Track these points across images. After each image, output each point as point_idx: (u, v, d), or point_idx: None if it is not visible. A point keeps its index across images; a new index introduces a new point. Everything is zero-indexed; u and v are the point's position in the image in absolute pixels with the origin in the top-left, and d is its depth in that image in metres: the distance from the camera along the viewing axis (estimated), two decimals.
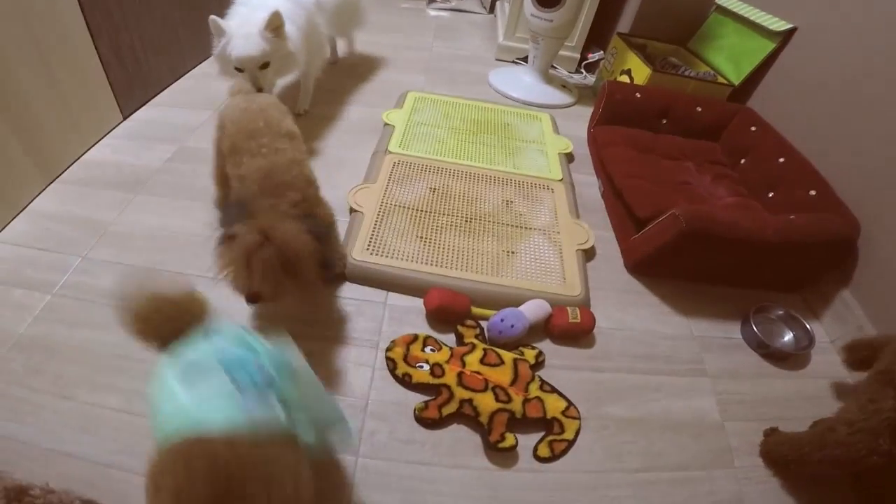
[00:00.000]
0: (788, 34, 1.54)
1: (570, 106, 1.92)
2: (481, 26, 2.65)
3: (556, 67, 2.14)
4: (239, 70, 1.23)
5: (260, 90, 1.23)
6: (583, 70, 2.18)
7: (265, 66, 1.24)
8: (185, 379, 0.54)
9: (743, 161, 1.49)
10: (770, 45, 1.58)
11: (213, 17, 1.18)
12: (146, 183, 1.30)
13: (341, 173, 1.39)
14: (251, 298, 0.79)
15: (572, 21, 1.76)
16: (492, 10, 2.84)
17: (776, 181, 1.35)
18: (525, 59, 2.16)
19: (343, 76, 1.91)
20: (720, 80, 1.71)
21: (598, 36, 2.16)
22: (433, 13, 2.76)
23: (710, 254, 1.14)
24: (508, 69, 2.08)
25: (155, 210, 1.22)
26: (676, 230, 1.06)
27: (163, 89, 1.71)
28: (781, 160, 1.37)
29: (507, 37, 2.19)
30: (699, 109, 1.57)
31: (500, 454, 0.86)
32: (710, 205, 1.31)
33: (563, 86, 2.00)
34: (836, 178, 1.24)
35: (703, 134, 1.58)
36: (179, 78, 1.77)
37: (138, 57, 1.54)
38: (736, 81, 1.67)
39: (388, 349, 0.98)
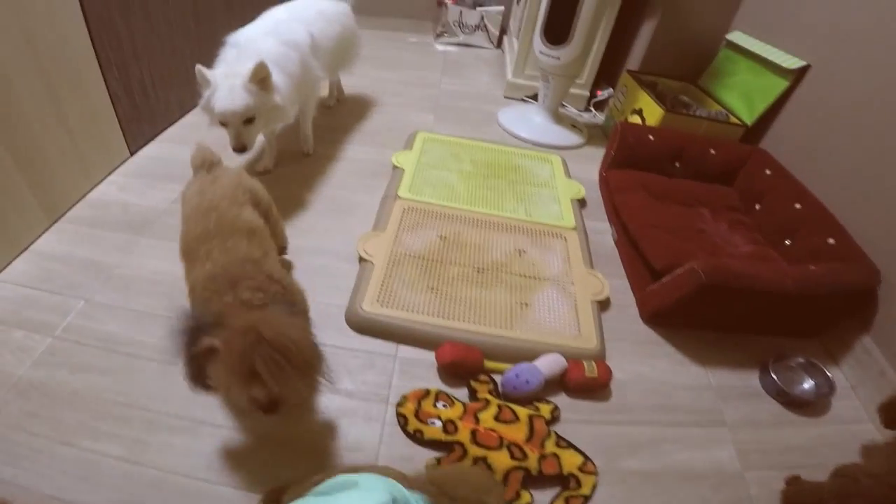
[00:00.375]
0: (802, 72, 1.54)
1: (580, 147, 1.93)
2: (489, 62, 2.69)
3: (565, 106, 2.16)
4: (223, 124, 1.19)
5: (242, 148, 1.19)
6: (592, 108, 2.20)
7: (250, 121, 1.19)
8: None
9: (758, 206, 1.48)
10: (783, 84, 1.58)
11: (198, 66, 1.14)
12: (153, 225, 1.30)
13: (350, 219, 1.39)
14: (271, 407, 0.66)
15: (581, 59, 1.77)
16: (499, 45, 2.89)
17: (793, 228, 1.33)
18: (534, 97, 2.18)
19: (349, 114, 1.94)
20: (732, 119, 1.71)
21: (607, 73, 2.18)
22: (441, 48, 2.81)
23: (728, 305, 1.13)
24: (518, 108, 2.10)
25: (161, 254, 1.22)
26: (696, 284, 1.05)
27: (171, 124, 1.73)
28: (798, 206, 1.36)
29: (516, 74, 2.22)
30: (713, 152, 1.57)
31: None
32: (726, 254, 1.30)
33: (573, 125, 2.01)
34: (855, 224, 1.23)
35: (717, 177, 1.58)
36: (188, 113, 1.79)
37: (147, 90, 1.57)
38: (749, 121, 1.68)
39: (398, 404, 0.96)
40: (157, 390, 0.94)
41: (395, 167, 1.58)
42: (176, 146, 1.63)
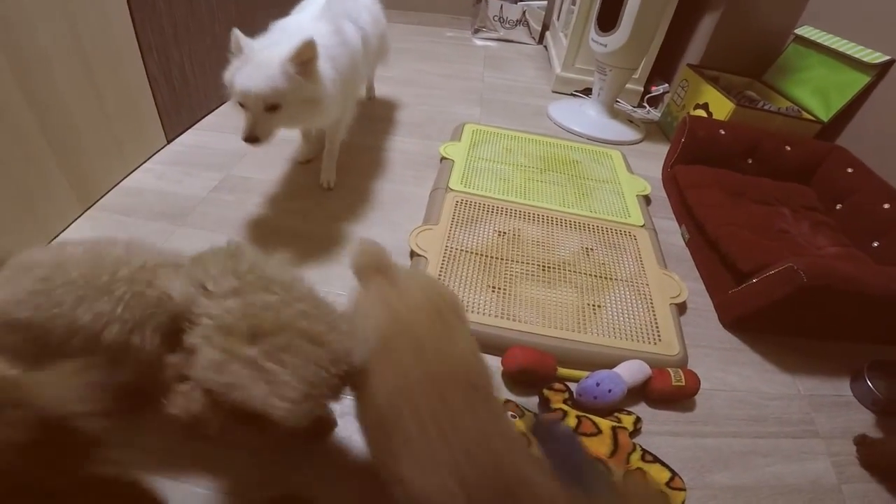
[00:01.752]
0: (885, 67, 1.47)
1: (637, 143, 1.87)
2: (532, 57, 2.65)
3: (619, 102, 2.10)
4: (242, 105, 1.00)
5: (255, 140, 0.99)
6: (646, 104, 2.14)
7: (274, 108, 0.99)
8: None
9: (839, 206, 1.41)
10: (864, 79, 1.52)
11: (236, 29, 0.98)
12: (190, 214, 1.27)
13: (400, 212, 1.35)
14: None
15: (634, 49, 1.72)
16: (541, 40, 2.85)
17: (881, 229, 1.27)
18: (584, 92, 2.13)
19: (390, 106, 1.90)
20: (805, 115, 1.64)
21: (662, 68, 2.13)
22: (480, 42, 2.78)
23: (824, 308, 1.06)
24: (570, 102, 2.05)
25: (198, 244, 1.17)
26: (794, 285, 0.98)
27: (210, 112, 1.71)
28: (886, 206, 1.29)
29: (566, 68, 2.17)
30: (788, 149, 1.50)
31: None
32: (813, 255, 1.22)
33: (630, 120, 1.95)
34: None
35: (794, 176, 1.50)
36: (226, 101, 1.77)
37: (187, 77, 1.55)
38: (825, 118, 1.60)
39: None
40: None
41: (443, 158, 1.53)
42: (215, 135, 1.61)
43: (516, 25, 2.85)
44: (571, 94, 2.16)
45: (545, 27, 2.82)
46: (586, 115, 1.91)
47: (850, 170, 1.43)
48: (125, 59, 1.30)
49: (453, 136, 1.67)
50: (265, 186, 1.39)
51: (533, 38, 2.87)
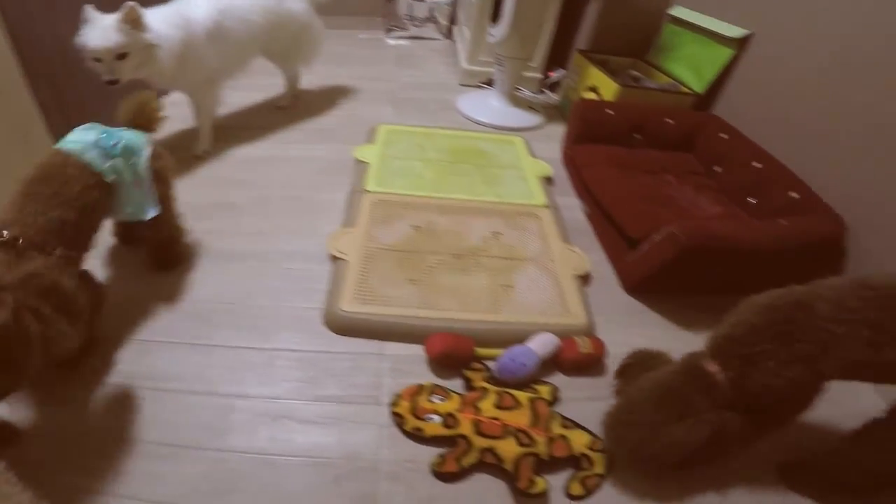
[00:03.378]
0: (745, 40, 1.54)
1: (539, 127, 1.89)
2: (441, 52, 2.62)
3: (520, 89, 2.11)
4: (97, 60, 1.16)
5: (115, 81, 1.18)
6: (546, 90, 2.16)
7: (122, 56, 1.17)
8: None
9: (718, 169, 1.48)
10: (729, 52, 1.59)
11: (87, 6, 1.13)
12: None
13: (316, 218, 1.29)
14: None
15: (517, 38, 1.72)
16: (449, 35, 2.82)
17: (754, 187, 1.33)
18: (489, 83, 2.13)
19: (304, 113, 1.82)
20: (683, 89, 1.70)
21: (558, 54, 2.15)
22: (392, 42, 2.72)
23: (708, 266, 1.10)
24: (476, 94, 2.04)
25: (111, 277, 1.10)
26: (676, 247, 1.02)
27: None
28: (756, 165, 1.36)
29: (470, 61, 2.15)
30: (669, 121, 1.56)
31: (532, 500, 0.79)
32: (696, 217, 1.28)
33: (530, 107, 1.97)
34: (813, 177, 1.23)
35: (677, 145, 1.57)
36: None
37: (84, 104, 1.42)
38: (699, 90, 1.67)
39: (393, 404, 0.89)
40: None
41: (358, 161, 1.48)
42: None
43: (425, 23, 2.81)
44: (477, 86, 2.15)
45: (452, 21, 2.80)
46: (490, 106, 1.91)
47: (724, 135, 1.50)
48: (11, 91, 1.17)
49: (367, 139, 1.63)
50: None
51: (442, 34, 2.84)
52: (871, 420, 0.77)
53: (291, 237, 1.23)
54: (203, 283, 1.09)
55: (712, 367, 0.75)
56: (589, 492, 0.81)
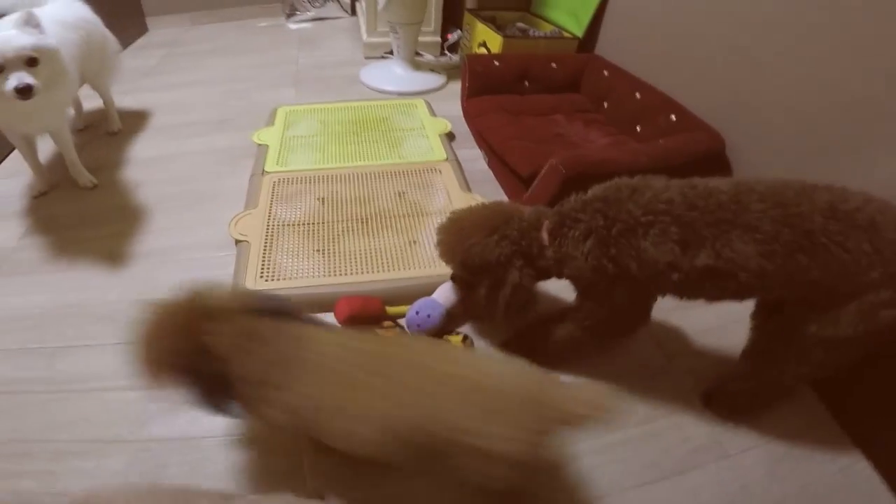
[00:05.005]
0: None
1: (442, 88, 1.83)
2: (346, 29, 2.48)
3: (421, 55, 2.04)
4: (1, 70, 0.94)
5: (28, 88, 0.94)
6: (447, 52, 2.10)
7: (32, 62, 0.96)
8: None
9: (606, 104, 1.49)
10: None
11: None
12: (2, 265, 1.06)
13: (217, 206, 1.21)
14: None
15: (407, 4, 1.64)
16: (353, 11, 2.67)
17: (639, 115, 1.34)
18: (392, 53, 2.04)
19: (201, 108, 1.69)
20: (565, 35, 1.69)
21: (452, 16, 2.08)
22: (294, 26, 2.55)
23: None
24: (378, 65, 1.95)
25: (18, 290, 1.01)
26: (559, 179, 1.01)
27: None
28: (638, 96, 1.37)
29: (370, 33, 2.05)
30: (554, 66, 1.54)
31: None
32: (585, 149, 1.28)
33: (432, 69, 1.90)
34: (691, 101, 1.23)
35: (564, 87, 1.56)
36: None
37: None
38: (579, 34, 1.66)
39: None
40: (50, 421, 0.79)
41: (259, 145, 1.39)
42: (9, 180, 1.34)
43: (326, 2, 2.65)
44: (381, 57, 2.06)
45: None
46: (393, 73, 1.83)
47: (606, 72, 1.51)
48: None
49: (267, 123, 1.52)
50: (73, 219, 1.19)
51: (346, 11, 2.69)
52: (748, 344, 0.76)
53: (194, 228, 1.15)
54: (110, 286, 1.02)
55: (545, 224, 0.75)
56: None
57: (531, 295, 0.78)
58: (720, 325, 0.95)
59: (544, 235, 0.74)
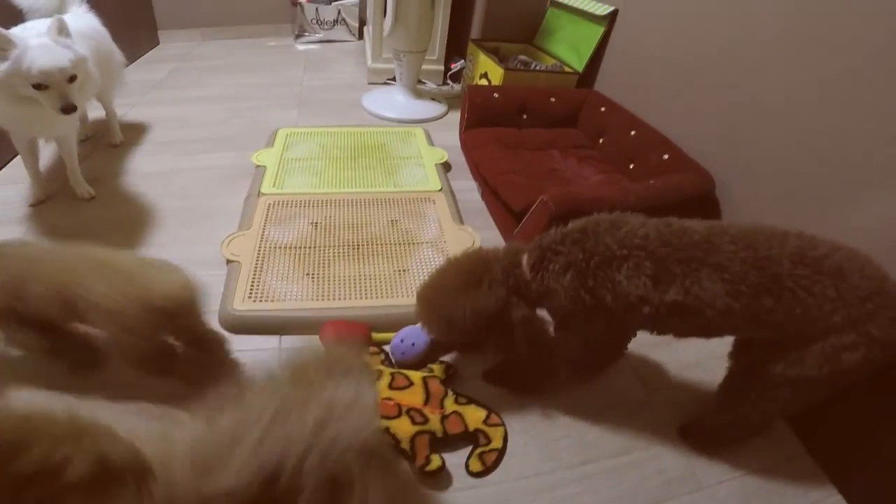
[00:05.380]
0: (613, 16, 1.56)
1: (442, 117, 1.86)
2: (352, 53, 2.54)
3: (424, 82, 2.08)
4: (40, 88, 0.95)
5: (73, 108, 0.98)
6: (449, 81, 2.14)
7: (72, 78, 0.99)
8: None
9: (601, 140, 1.50)
10: (600, 30, 1.61)
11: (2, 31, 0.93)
12: None
13: (213, 225, 1.21)
14: None
15: (404, 31, 1.68)
16: (361, 35, 2.73)
17: (633, 153, 1.36)
18: (395, 79, 2.08)
19: (204, 124, 1.71)
20: (566, 69, 1.72)
21: (457, 46, 2.13)
22: (301, 47, 2.61)
23: None
24: (380, 91, 1.99)
25: None
26: (549, 215, 1.02)
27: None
28: (633, 133, 1.39)
29: (375, 59, 2.09)
30: (553, 100, 1.57)
31: (430, 478, 0.76)
32: (578, 185, 1.29)
33: (433, 98, 1.94)
34: (685, 141, 1.25)
35: (561, 122, 1.58)
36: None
37: None
38: (579, 68, 1.69)
39: None
40: None
41: (257, 166, 1.41)
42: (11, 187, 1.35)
43: (335, 25, 2.71)
44: (384, 83, 2.10)
45: (362, 23, 2.71)
46: (395, 101, 1.87)
47: (603, 108, 1.53)
48: None
49: (267, 144, 1.54)
50: (70, 230, 1.19)
51: (353, 35, 2.75)
52: (723, 380, 0.77)
53: (187, 245, 1.16)
54: None
55: (525, 259, 0.74)
56: (488, 468, 0.78)
57: (541, 323, 0.77)
58: (700, 361, 0.95)
59: (526, 270, 0.74)
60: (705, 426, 0.83)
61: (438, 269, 0.80)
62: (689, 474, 0.80)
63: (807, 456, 0.84)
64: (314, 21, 2.65)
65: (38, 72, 0.93)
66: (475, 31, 2.02)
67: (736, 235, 0.64)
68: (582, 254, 0.67)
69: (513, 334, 0.74)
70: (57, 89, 0.97)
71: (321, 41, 2.68)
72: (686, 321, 0.66)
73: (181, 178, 1.41)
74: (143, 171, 1.43)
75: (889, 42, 0.79)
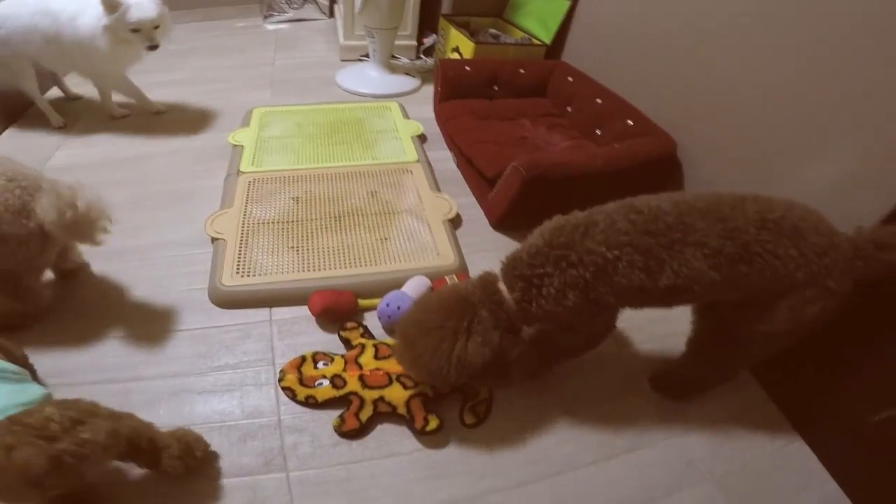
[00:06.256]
0: None
1: (416, 91, 1.86)
2: (323, 31, 2.48)
3: (397, 57, 2.06)
4: (134, 31, 1.29)
5: (156, 47, 1.34)
6: (422, 55, 2.12)
7: (157, 27, 1.32)
8: None
9: (569, 108, 1.53)
10: (566, 4, 1.63)
11: None
12: None
13: (195, 205, 1.21)
14: None
15: (383, 9, 1.66)
16: (332, 13, 2.66)
17: (599, 120, 1.39)
18: (368, 56, 2.05)
19: (176, 108, 1.67)
20: (535, 42, 1.73)
21: (429, 21, 2.10)
22: (271, 27, 2.53)
23: (555, 193, 1.14)
24: (354, 67, 1.96)
25: None
26: (520, 180, 1.06)
27: None
28: (599, 101, 1.41)
29: (347, 36, 2.06)
30: (522, 71, 1.59)
31: (431, 437, 0.79)
32: (548, 152, 1.33)
33: (407, 73, 1.93)
34: (648, 107, 1.29)
35: (531, 92, 1.60)
36: None
37: None
38: (547, 41, 1.71)
39: (280, 380, 0.85)
40: None
41: (234, 146, 1.40)
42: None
43: (304, 4, 2.63)
44: (358, 60, 2.07)
45: (332, 0, 2.64)
46: (369, 76, 1.85)
47: (570, 78, 1.55)
48: None
49: (242, 124, 1.53)
50: None
51: (324, 13, 2.68)
52: (691, 335, 0.81)
53: (170, 227, 1.16)
54: (86, 283, 1.02)
55: (502, 286, 0.71)
56: (480, 418, 0.82)
57: (520, 340, 0.75)
58: (666, 316, 1.00)
59: (510, 302, 0.70)
60: (675, 377, 0.87)
61: (418, 303, 0.76)
62: (661, 423, 0.85)
63: (769, 402, 0.90)
64: (283, 0, 2.58)
65: (136, 20, 1.27)
66: (446, 7, 2.00)
67: (703, 209, 0.66)
68: (575, 270, 0.65)
69: (507, 369, 0.73)
70: (146, 33, 1.30)
71: (291, 20, 2.61)
72: (677, 297, 0.68)
73: (158, 161, 1.39)
74: (120, 157, 1.40)
75: (832, 20, 0.83)
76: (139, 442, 0.65)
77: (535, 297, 0.68)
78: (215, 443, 0.77)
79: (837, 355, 0.81)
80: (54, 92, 1.66)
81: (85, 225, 0.80)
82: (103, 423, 0.59)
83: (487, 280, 0.72)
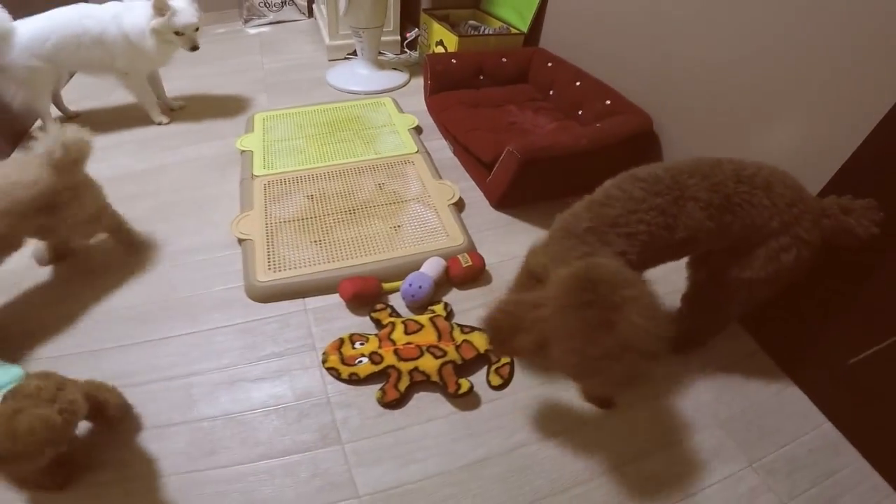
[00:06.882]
0: None
1: (406, 84, 1.92)
2: (305, 32, 2.49)
3: (383, 53, 2.11)
4: (178, 34, 1.43)
5: (196, 48, 1.49)
6: (406, 49, 2.17)
7: (197, 29, 1.46)
8: None
9: (551, 92, 1.61)
10: None
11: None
12: (23, 282, 1.09)
13: (217, 210, 1.28)
14: None
15: (367, 10, 1.70)
16: (311, 13, 2.67)
17: (579, 101, 1.47)
18: (355, 54, 2.09)
19: (183, 115, 1.71)
20: (512, 30, 1.80)
21: (410, 15, 2.14)
22: (253, 31, 2.54)
23: (549, 172, 1.23)
24: (343, 66, 2.01)
25: (51, 301, 1.05)
26: (516, 163, 1.14)
27: None
28: (578, 84, 1.50)
29: (333, 36, 2.09)
30: (504, 60, 1.66)
31: (464, 399, 0.88)
32: (536, 134, 1.41)
33: (395, 68, 1.98)
34: (624, 87, 1.37)
35: (515, 79, 1.68)
36: None
37: None
38: (524, 29, 1.77)
39: (323, 361, 0.93)
40: None
41: (242, 151, 1.45)
42: None
43: (283, 6, 2.63)
44: (346, 58, 2.11)
45: (311, 1, 2.65)
46: (359, 74, 1.90)
47: (549, 64, 1.63)
48: None
49: (247, 129, 1.58)
50: None
51: (303, 13, 2.68)
52: (687, 290, 0.89)
53: (195, 233, 1.22)
54: (127, 291, 1.08)
55: (609, 256, 0.73)
56: (506, 379, 0.91)
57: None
58: (662, 275, 1.11)
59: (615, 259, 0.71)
60: (676, 331, 0.96)
61: (550, 321, 0.63)
62: (671, 374, 0.95)
63: (761, 352, 0.99)
64: (262, 4, 2.57)
65: (181, 25, 1.39)
66: (425, 2, 2.04)
67: (689, 170, 0.74)
68: (647, 227, 0.72)
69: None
70: (189, 36, 1.44)
71: (271, 23, 2.61)
72: (686, 249, 0.77)
73: (171, 172, 1.43)
74: (133, 171, 1.44)
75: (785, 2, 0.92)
76: (93, 400, 0.76)
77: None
78: (277, 424, 0.85)
79: (818, 307, 0.89)
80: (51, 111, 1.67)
81: (70, 161, 0.94)
82: (74, 386, 0.71)
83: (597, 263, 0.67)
